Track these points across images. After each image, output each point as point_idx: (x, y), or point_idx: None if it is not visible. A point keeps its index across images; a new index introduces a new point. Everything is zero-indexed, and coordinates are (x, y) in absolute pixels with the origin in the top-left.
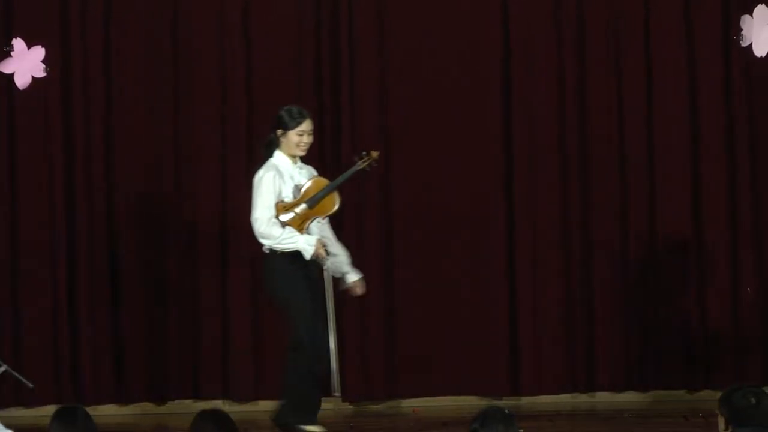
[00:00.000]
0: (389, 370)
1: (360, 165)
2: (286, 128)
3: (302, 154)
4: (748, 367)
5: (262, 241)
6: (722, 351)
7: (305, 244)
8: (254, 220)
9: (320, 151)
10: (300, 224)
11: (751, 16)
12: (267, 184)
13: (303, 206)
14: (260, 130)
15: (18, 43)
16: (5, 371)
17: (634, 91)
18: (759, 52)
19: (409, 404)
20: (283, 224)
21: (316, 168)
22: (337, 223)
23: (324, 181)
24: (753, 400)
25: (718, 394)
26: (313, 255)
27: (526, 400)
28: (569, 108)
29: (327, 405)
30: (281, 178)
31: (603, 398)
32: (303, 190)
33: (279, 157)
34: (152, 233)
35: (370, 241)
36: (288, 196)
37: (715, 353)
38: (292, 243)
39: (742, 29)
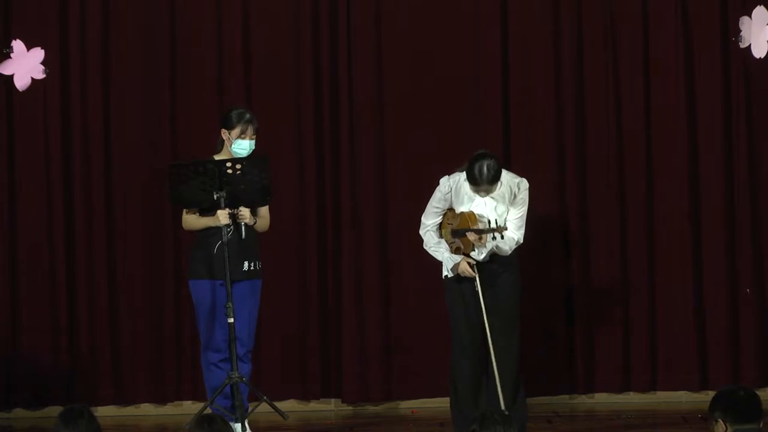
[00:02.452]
0: (388, 372)
1: (489, 230)
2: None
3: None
4: (746, 368)
5: None
6: (721, 352)
7: (447, 260)
8: None
9: (317, 148)
10: (450, 242)
11: (750, 17)
12: (435, 192)
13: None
14: (258, 129)
15: (17, 45)
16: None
17: (633, 92)
18: (758, 53)
19: (408, 406)
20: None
21: (315, 168)
22: (335, 224)
23: (471, 217)
24: (742, 394)
25: (711, 399)
26: (454, 271)
27: None
28: (567, 108)
29: (326, 407)
30: (457, 194)
31: (601, 399)
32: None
33: None
34: (151, 233)
35: (367, 243)
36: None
37: (714, 354)
38: (438, 254)
39: (740, 31)
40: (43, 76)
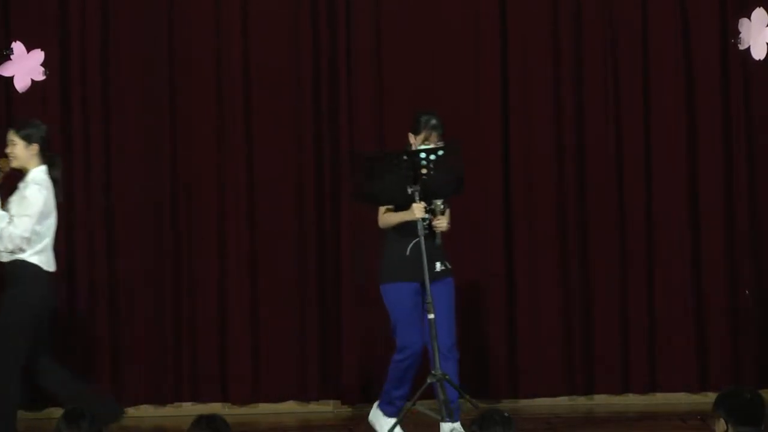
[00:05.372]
0: (387, 373)
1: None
2: None
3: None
4: (745, 369)
5: None
6: (720, 353)
7: None
8: None
9: (316, 153)
10: None
11: (749, 19)
12: None
13: None
14: (258, 129)
15: (17, 47)
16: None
17: (632, 95)
18: (757, 55)
19: (407, 407)
20: None
21: (314, 173)
22: (334, 225)
23: None
24: (748, 397)
25: (716, 396)
26: None
27: (524, 403)
28: (566, 110)
29: (325, 408)
30: None
31: (601, 401)
32: None
33: None
34: (150, 234)
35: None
36: None
37: (713, 356)
38: None
39: (740, 32)
40: (43, 77)
